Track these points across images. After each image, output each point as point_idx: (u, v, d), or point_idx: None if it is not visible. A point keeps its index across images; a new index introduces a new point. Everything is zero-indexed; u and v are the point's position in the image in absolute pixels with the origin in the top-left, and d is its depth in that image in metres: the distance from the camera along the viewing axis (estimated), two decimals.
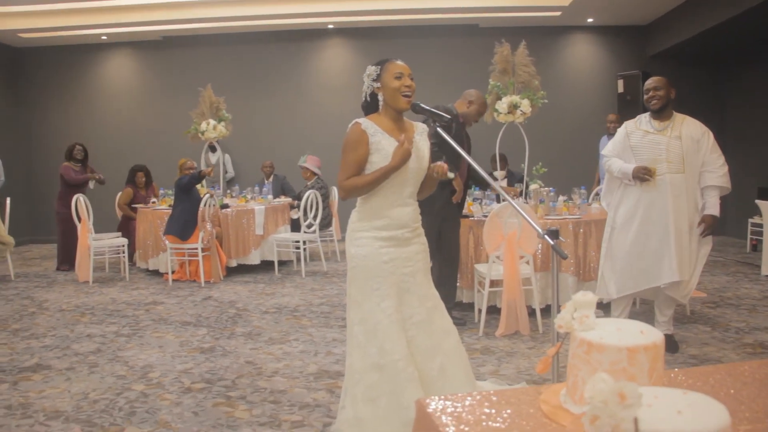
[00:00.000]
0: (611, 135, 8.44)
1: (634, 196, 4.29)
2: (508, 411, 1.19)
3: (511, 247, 4.75)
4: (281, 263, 8.06)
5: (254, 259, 7.77)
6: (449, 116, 2.81)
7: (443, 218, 4.92)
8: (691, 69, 10.20)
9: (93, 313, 5.78)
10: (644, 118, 4.35)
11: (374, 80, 2.84)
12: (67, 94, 11.11)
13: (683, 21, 9.09)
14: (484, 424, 1.14)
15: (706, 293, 6.06)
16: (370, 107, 2.92)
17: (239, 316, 5.58)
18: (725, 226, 10.02)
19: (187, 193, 7.16)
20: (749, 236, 8.82)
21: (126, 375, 4.05)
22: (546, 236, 2.31)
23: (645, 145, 4.24)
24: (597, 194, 7.17)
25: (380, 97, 2.85)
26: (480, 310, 4.98)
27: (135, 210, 8.24)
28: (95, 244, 7.29)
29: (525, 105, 5.93)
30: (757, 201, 7.71)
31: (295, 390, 3.73)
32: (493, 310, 5.15)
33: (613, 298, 4.42)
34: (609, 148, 4.47)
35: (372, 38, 10.59)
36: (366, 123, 2.83)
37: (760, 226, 7.78)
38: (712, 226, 4.20)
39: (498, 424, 1.13)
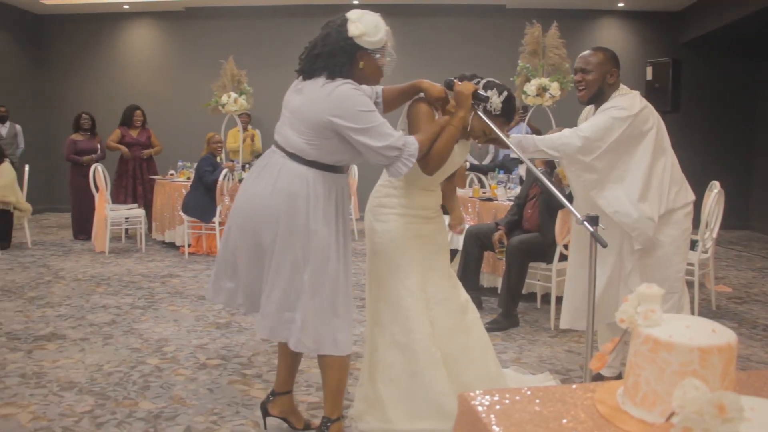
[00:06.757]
0: None
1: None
2: (560, 410, 1.09)
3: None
4: None
5: None
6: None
7: None
8: (722, 58, 9.93)
9: (108, 284, 5.74)
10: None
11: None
12: (88, 63, 11.02)
13: (716, 9, 8.83)
14: (534, 423, 1.04)
15: (732, 288, 5.92)
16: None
17: None
18: (750, 221, 9.81)
19: (201, 179, 7.03)
20: None
21: (141, 348, 4.00)
22: (585, 222, 2.20)
23: None
24: None
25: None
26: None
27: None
28: (112, 214, 7.25)
29: (554, 88, 5.78)
30: None
31: (312, 370, 3.64)
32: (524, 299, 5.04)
33: None
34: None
35: (396, 16, 10.33)
36: None
37: None
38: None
39: (554, 425, 1.03)
